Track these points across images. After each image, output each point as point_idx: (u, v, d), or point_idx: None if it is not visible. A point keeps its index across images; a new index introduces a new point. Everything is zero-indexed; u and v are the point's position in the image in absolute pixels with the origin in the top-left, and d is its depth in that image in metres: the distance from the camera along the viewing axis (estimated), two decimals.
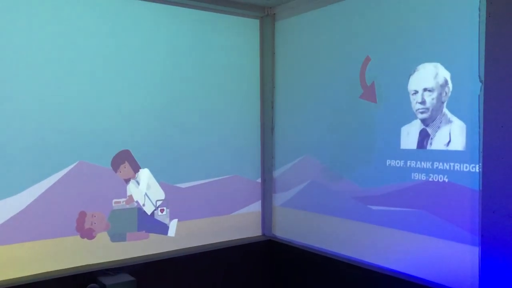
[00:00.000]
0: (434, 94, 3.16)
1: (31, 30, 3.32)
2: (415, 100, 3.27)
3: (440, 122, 3.13)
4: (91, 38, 3.57)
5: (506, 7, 2.69)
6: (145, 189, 3.85)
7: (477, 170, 2.87)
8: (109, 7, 3.65)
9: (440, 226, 3.10)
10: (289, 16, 4.34)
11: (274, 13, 4.50)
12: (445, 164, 3.08)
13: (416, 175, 3.25)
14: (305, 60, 4.19)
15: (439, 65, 3.11)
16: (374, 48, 3.54)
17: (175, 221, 4.00)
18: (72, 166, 3.48)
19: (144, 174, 3.84)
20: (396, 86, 3.38)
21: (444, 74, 3.09)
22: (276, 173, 4.53)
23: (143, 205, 3.84)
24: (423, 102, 3.22)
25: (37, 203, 3.35)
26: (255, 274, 4.43)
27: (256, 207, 4.58)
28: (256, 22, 4.54)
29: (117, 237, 3.72)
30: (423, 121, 3.23)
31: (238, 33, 4.39)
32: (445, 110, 3.10)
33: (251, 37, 4.50)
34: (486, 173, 2.80)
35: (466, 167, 2.96)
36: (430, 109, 3.19)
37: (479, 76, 2.85)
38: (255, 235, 4.58)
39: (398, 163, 3.37)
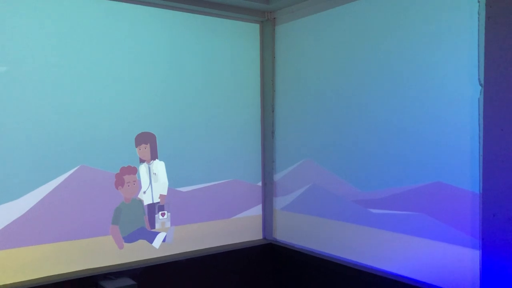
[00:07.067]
0: None
1: (32, 32, 3.34)
2: None
3: None
4: (92, 42, 3.58)
5: (505, 10, 2.71)
6: (153, 179, 3.87)
7: (478, 173, 2.87)
8: (110, 12, 3.66)
9: (441, 230, 3.10)
10: (290, 20, 4.36)
11: (275, 18, 4.52)
12: (445, 167, 3.08)
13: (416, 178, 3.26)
14: (305, 64, 4.20)
15: None
16: (374, 51, 3.55)
17: (162, 234, 4.00)
18: (73, 170, 3.49)
19: (159, 164, 3.91)
20: (394, 91, 3.39)
21: None
22: (277, 176, 4.54)
23: (144, 192, 3.85)
24: None
25: (38, 207, 3.35)
26: (256, 278, 4.43)
27: (257, 211, 4.58)
28: (256, 26, 4.55)
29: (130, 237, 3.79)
30: None
31: (238, 38, 4.41)
32: None
33: (252, 41, 4.52)
34: (486, 176, 2.80)
35: (467, 170, 2.96)
36: None
37: (478, 79, 2.86)
38: (256, 239, 4.58)
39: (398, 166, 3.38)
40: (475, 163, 2.89)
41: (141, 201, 3.85)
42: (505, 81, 2.71)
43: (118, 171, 3.71)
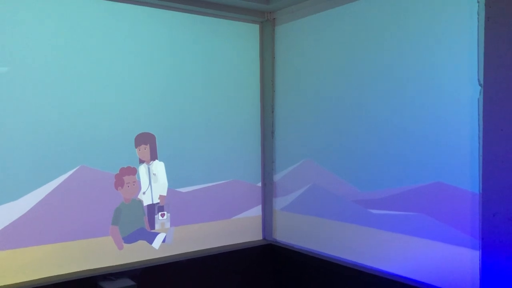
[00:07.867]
0: None
1: (33, 32, 3.34)
2: None
3: None
4: (92, 42, 3.58)
5: (505, 10, 2.71)
6: (152, 179, 3.87)
7: (477, 173, 2.88)
8: (110, 12, 3.66)
9: (441, 230, 3.11)
10: (289, 20, 4.36)
11: (274, 18, 4.52)
12: (445, 167, 3.09)
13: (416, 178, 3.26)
14: (305, 64, 4.20)
15: None
16: (374, 51, 3.55)
17: (162, 234, 3.99)
18: (73, 170, 3.49)
19: (158, 164, 3.91)
20: (394, 91, 3.40)
21: None
22: (277, 177, 4.54)
23: (143, 193, 3.85)
24: None
25: (38, 208, 3.35)
26: (256, 279, 4.43)
27: (256, 211, 4.58)
28: (256, 27, 4.56)
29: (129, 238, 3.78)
30: None
31: (238, 38, 4.41)
32: None
33: (251, 42, 4.52)
34: (486, 176, 2.81)
35: (466, 170, 2.96)
36: None
37: (478, 79, 2.86)
38: (256, 240, 4.57)
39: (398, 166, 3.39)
40: (475, 163, 2.89)
41: (140, 202, 3.85)
42: (505, 81, 2.72)
43: (118, 172, 3.71)
